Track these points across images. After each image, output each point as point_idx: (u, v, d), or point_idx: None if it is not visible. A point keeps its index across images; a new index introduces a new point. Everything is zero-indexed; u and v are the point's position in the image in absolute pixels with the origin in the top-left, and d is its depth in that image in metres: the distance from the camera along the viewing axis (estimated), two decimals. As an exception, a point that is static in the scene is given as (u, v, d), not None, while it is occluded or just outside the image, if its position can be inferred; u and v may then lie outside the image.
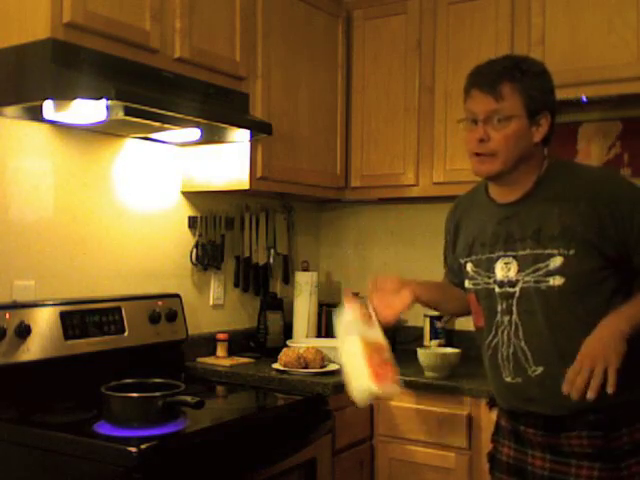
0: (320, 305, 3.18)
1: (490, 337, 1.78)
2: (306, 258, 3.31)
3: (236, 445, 1.99)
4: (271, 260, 3.12)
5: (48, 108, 2.05)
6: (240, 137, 2.57)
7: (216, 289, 2.95)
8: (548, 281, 1.67)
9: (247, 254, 3.03)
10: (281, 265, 3.25)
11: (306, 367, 2.54)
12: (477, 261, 1.81)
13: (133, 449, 1.69)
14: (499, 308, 1.75)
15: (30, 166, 2.27)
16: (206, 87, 2.40)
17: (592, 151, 2.92)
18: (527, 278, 1.70)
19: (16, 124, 2.23)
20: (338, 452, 2.43)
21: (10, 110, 2.14)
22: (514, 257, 1.72)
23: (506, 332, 1.74)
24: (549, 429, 1.71)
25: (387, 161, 3.02)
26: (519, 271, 1.71)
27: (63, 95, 1.96)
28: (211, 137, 2.55)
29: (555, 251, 1.66)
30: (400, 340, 3.19)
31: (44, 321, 2.16)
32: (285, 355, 2.59)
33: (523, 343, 1.71)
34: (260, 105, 2.64)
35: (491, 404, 1.92)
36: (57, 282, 2.34)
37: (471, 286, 1.83)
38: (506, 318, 1.74)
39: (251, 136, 2.55)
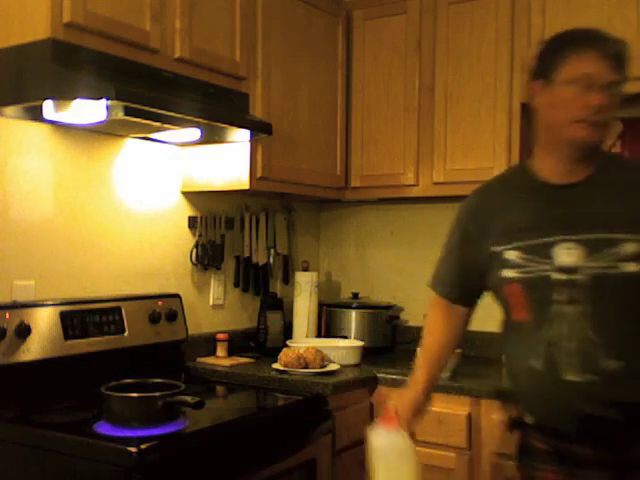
0: (320, 305, 3.18)
1: (543, 331, 1.59)
2: (306, 258, 3.31)
3: (236, 445, 1.99)
4: (271, 260, 3.12)
5: (48, 108, 2.05)
6: (240, 137, 2.57)
7: (216, 289, 2.95)
8: (621, 267, 1.54)
9: (247, 254, 3.03)
10: (281, 265, 3.25)
11: (306, 367, 2.54)
12: (528, 247, 1.62)
13: (133, 449, 1.69)
14: (555, 297, 1.58)
15: (30, 166, 2.27)
16: (206, 87, 2.40)
17: (592, 151, 2.92)
18: (597, 264, 1.55)
19: (16, 124, 2.23)
20: (338, 452, 2.43)
21: (10, 110, 2.14)
22: (578, 241, 1.57)
23: (568, 323, 1.56)
24: (605, 444, 1.54)
25: (387, 161, 3.03)
26: (586, 255, 1.56)
27: (63, 95, 1.96)
28: (211, 137, 2.55)
29: (628, 236, 1.54)
30: (400, 340, 3.19)
31: (44, 321, 2.16)
32: (285, 355, 2.59)
33: (594, 334, 1.54)
34: (260, 105, 2.64)
35: (512, 425, 1.72)
36: (57, 282, 2.34)
37: (518, 275, 1.63)
38: (568, 308, 1.56)
39: (251, 136, 2.55)
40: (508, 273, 1.65)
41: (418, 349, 1.93)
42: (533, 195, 1.68)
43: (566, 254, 1.57)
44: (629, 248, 1.54)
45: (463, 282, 1.83)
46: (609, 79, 1.57)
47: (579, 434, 1.56)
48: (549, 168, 1.68)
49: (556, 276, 1.57)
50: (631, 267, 1.53)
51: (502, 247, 1.66)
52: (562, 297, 1.57)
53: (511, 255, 1.64)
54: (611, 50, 1.59)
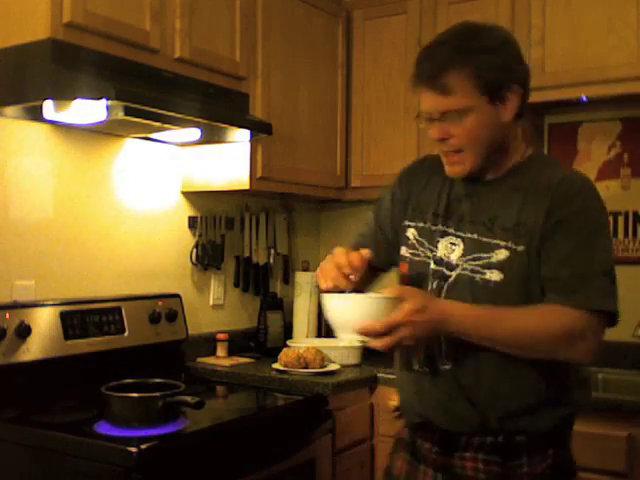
0: (320, 305, 3.17)
1: None
2: (306, 258, 3.31)
3: (236, 445, 1.99)
4: (271, 260, 3.12)
5: (48, 108, 2.05)
6: (240, 137, 2.57)
7: (216, 289, 2.95)
8: (485, 274, 1.48)
9: (247, 254, 3.03)
10: (281, 265, 3.25)
11: (306, 367, 2.54)
12: (422, 230, 1.61)
13: (133, 449, 1.69)
14: (428, 286, 1.55)
15: (30, 166, 2.27)
16: (206, 87, 2.40)
17: (592, 151, 2.93)
18: (466, 265, 1.51)
19: (16, 124, 2.23)
20: (338, 452, 2.42)
21: (10, 110, 2.14)
22: (461, 238, 1.54)
23: None
24: (445, 445, 1.53)
25: (387, 161, 3.02)
26: (462, 255, 1.53)
27: (63, 95, 1.96)
28: (211, 137, 2.54)
29: (502, 242, 1.48)
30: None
31: (44, 321, 2.16)
32: (285, 355, 2.59)
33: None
34: (260, 105, 2.64)
35: (399, 413, 1.73)
36: (57, 282, 2.34)
37: (408, 255, 1.61)
38: None
39: (251, 136, 2.55)
40: (403, 251, 1.64)
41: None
42: (448, 183, 1.62)
43: (446, 247, 1.56)
44: (500, 255, 1.48)
45: (372, 245, 1.67)
46: (437, 109, 1.48)
47: (424, 431, 1.57)
48: None
49: (433, 266, 1.56)
50: (494, 275, 1.48)
51: (407, 223, 1.65)
52: (433, 288, 1.55)
53: (410, 234, 1.63)
54: (430, 73, 1.47)
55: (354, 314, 1.42)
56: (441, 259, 1.55)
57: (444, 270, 1.54)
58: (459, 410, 1.51)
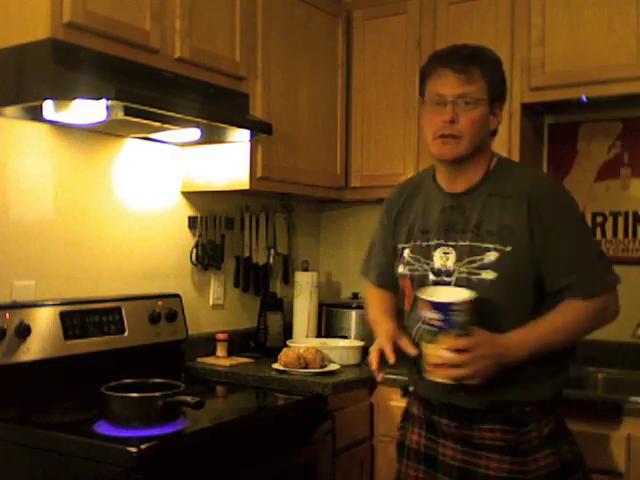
0: (320, 305, 3.18)
1: (418, 324, 1.70)
2: (306, 258, 3.31)
3: (236, 445, 1.99)
4: (271, 260, 3.12)
5: (48, 108, 2.05)
6: (240, 137, 2.57)
7: (216, 289, 2.95)
8: (480, 274, 1.67)
9: (247, 254, 3.03)
10: (281, 265, 3.25)
11: (306, 367, 2.54)
12: (415, 247, 1.80)
13: (133, 449, 1.69)
14: None
15: (30, 166, 2.27)
16: (206, 87, 2.40)
17: (592, 151, 2.93)
18: (462, 269, 1.70)
19: (16, 124, 2.23)
20: (338, 452, 2.42)
21: (10, 110, 2.14)
22: (454, 247, 1.72)
23: None
24: (463, 420, 1.72)
25: (387, 161, 3.02)
26: (457, 261, 1.71)
27: (63, 95, 1.96)
28: (211, 137, 2.54)
29: (491, 245, 1.67)
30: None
31: (44, 321, 2.16)
32: (285, 355, 2.59)
33: None
34: (260, 105, 2.64)
35: (404, 392, 1.96)
36: (57, 282, 2.34)
37: (407, 271, 1.80)
38: None
39: (251, 136, 2.55)
40: (402, 269, 1.82)
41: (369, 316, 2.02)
42: (431, 200, 1.82)
43: (441, 258, 1.74)
44: (491, 257, 1.67)
45: (387, 270, 1.94)
46: (456, 93, 1.69)
47: (441, 410, 1.75)
48: (440, 178, 1.83)
49: (433, 277, 1.75)
50: (489, 275, 1.67)
51: (402, 245, 1.85)
52: None
53: (405, 254, 1.83)
54: (458, 61, 1.70)
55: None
56: (439, 269, 1.74)
57: (444, 278, 1.73)
58: (474, 393, 1.67)
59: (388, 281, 1.95)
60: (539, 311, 1.69)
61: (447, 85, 1.70)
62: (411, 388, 1.92)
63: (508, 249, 1.66)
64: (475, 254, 1.69)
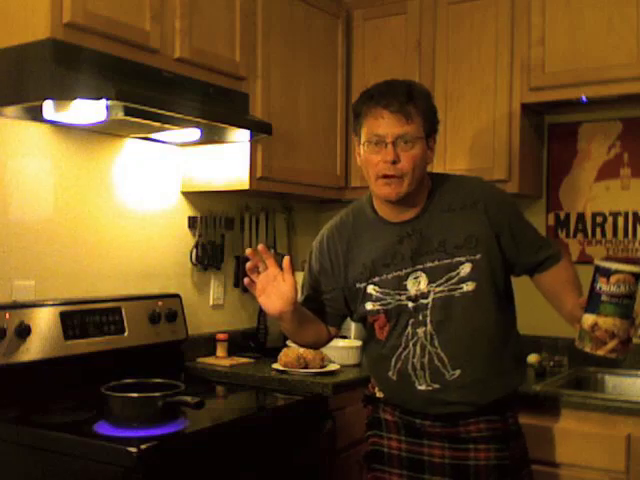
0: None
1: (400, 350, 1.79)
2: (306, 258, 3.29)
3: (236, 445, 1.99)
4: (271, 260, 3.12)
5: (48, 108, 2.05)
6: (240, 137, 2.57)
7: (216, 289, 2.95)
8: (462, 288, 1.73)
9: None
10: (281, 265, 3.24)
11: (306, 367, 2.54)
12: (383, 282, 1.80)
13: (133, 449, 1.69)
14: (411, 321, 1.77)
15: (30, 166, 2.27)
16: (206, 87, 2.40)
17: (592, 151, 2.93)
18: (440, 288, 1.74)
19: (16, 124, 2.23)
20: (338, 452, 2.42)
21: (10, 110, 2.14)
22: (422, 270, 1.76)
23: (420, 343, 1.76)
24: (446, 421, 1.77)
25: (387, 161, 3.02)
26: (429, 283, 1.75)
27: (63, 95, 1.96)
28: (211, 137, 2.55)
29: (463, 258, 1.73)
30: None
31: (44, 321, 2.16)
32: (285, 355, 2.59)
33: (440, 350, 1.75)
34: (260, 105, 2.64)
35: (366, 402, 1.96)
36: (57, 282, 2.34)
37: (379, 307, 1.81)
38: (420, 330, 1.76)
39: (251, 136, 2.55)
40: (371, 306, 1.82)
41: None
42: (380, 233, 1.83)
43: (414, 283, 1.77)
44: (466, 268, 1.73)
45: (325, 309, 1.93)
46: (395, 133, 1.70)
47: (424, 414, 1.80)
48: (382, 210, 1.84)
49: (410, 304, 1.77)
50: (469, 286, 1.73)
51: (364, 284, 1.83)
52: (415, 321, 1.77)
53: (371, 290, 1.82)
54: (396, 102, 1.70)
55: None
56: (415, 296, 1.77)
57: (421, 301, 1.76)
58: (476, 398, 1.76)
59: (329, 320, 1.95)
60: (510, 293, 1.86)
61: (385, 126, 1.71)
62: (379, 395, 1.92)
63: (478, 257, 1.74)
64: (451, 270, 1.74)
